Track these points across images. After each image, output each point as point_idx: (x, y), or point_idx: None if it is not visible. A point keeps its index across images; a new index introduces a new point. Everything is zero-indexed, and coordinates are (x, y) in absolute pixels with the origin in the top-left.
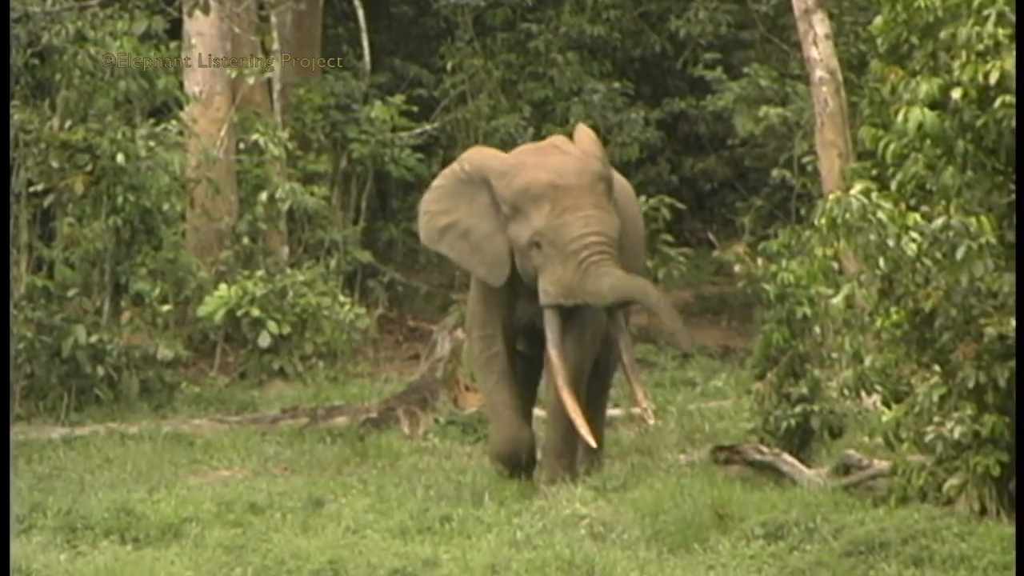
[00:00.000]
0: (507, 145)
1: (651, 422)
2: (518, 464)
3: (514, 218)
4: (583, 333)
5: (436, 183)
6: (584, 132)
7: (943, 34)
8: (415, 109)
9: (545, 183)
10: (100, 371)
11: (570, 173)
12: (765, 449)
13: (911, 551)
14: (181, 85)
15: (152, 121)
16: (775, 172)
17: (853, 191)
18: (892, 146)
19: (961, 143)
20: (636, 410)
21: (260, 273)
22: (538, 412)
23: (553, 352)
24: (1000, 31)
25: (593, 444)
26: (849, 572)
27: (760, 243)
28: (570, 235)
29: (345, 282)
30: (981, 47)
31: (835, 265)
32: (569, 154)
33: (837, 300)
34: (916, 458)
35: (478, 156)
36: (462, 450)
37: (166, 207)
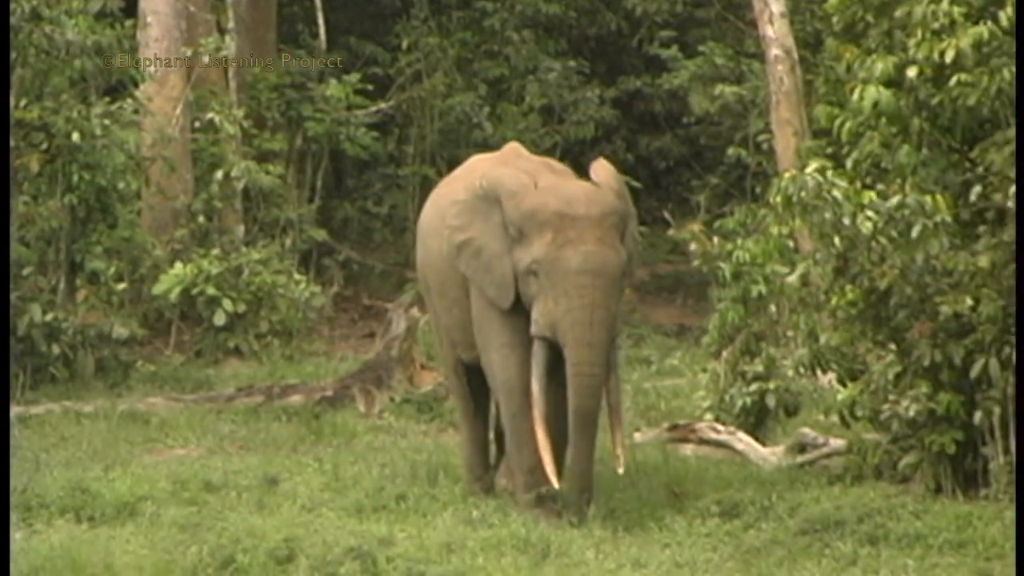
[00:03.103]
0: (462, 124)
1: (620, 471)
2: (544, 493)
3: (519, 241)
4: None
5: (457, 197)
6: (603, 166)
7: (898, 12)
8: (370, 87)
9: (552, 210)
10: (55, 350)
11: (580, 202)
12: (721, 428)
13: (866, 529)
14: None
15: (107, 100)
16: (730, 150)
17: (809, 169)
18: (847, 124)
19: (916, 121)
20: (613, 451)
21: (215, 251)
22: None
23: (535, 385)
24: (955, 9)
25: (556, 484)
26: (804, 550)
27: (716, 221)
28: (565, 270)
29: (300, 260)
30: (936, 25)
31: (790, 243)
32: (584, 182)
33: (792, 278)
34: (871, 436)
35: (495, 173)
36: (417, 428)
37: (121, 185)
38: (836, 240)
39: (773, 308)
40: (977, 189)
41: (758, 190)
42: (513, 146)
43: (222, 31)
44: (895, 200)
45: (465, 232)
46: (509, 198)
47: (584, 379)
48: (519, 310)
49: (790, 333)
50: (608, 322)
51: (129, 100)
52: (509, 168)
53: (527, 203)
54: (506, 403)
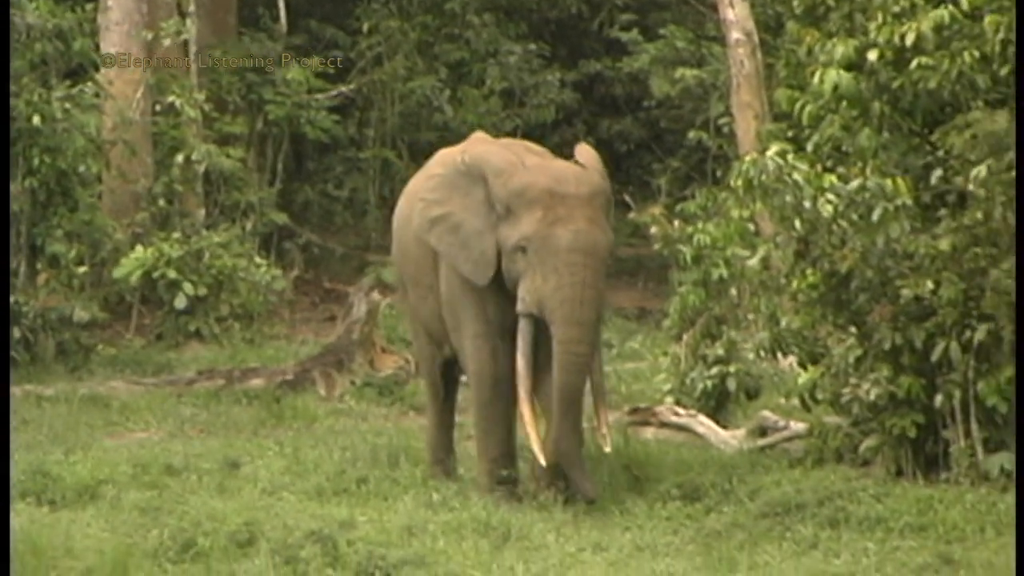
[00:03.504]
0: (423, 107)
1: (607, 450)
2: (508, 478)
3: (505, 219)
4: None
5: (435, 171)
6: (586, 150)
7: None
8: (331, 71)
9: (541, 188)
10: (16, 333)
11: (569, 182)
12: (681, 411)
13: (827, 512)
14: (97, 47)
15: (68, 83)
16: (691, 134)
17: (769, 153)
18: (808, 108)
19: (877, 105)
20: (597, 431)
21: (176, 235)
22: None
23: (521, 361)
24: None
25: (543, 461)
26: (765, 533)
27: (676, 205)
28: (556, 248)
29: (261, 244)
30: (897, 8)
31: (751, 227)
32: (571, 163)
33: (753, 262)
34: (832, 419)
35: (478, 149)
36: (378, 412)
37: (82, 169)
38: (797, 223)
39: (734, 291)
40: (938, 172)
41: (719, 173)
42: (479, 136)
43: (183, 14)
44: (856, 183)
45: (442, 206)
46: (496, 175)
47: (572, 357)
48: (492, 297)
49: (751, 316)
50: (597, 301)
51: (90, 84)
52: (491, 146)
53: (516, 180)
54: (477, 391)
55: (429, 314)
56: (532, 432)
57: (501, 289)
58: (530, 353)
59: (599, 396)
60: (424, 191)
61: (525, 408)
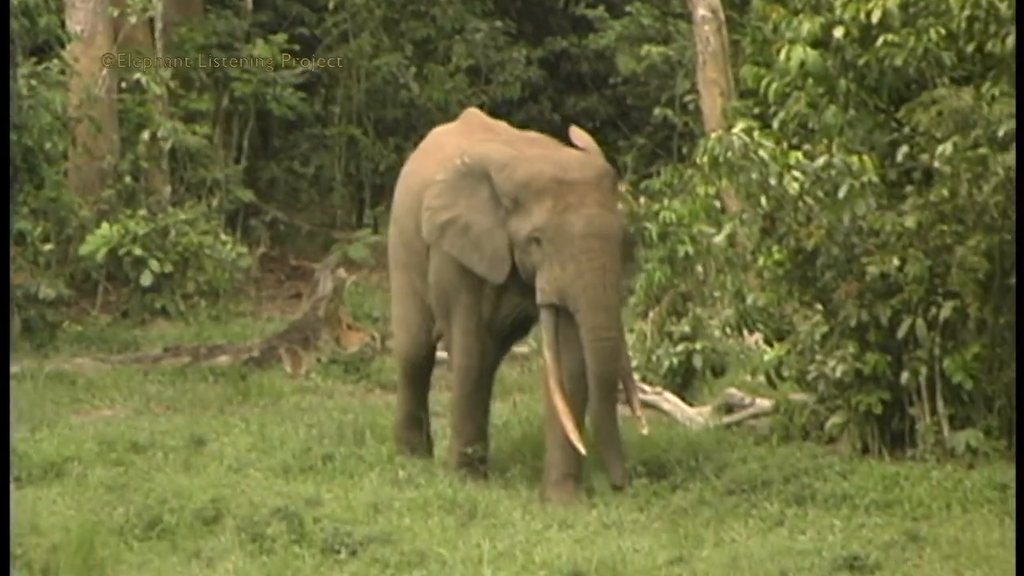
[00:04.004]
0: (389, 84)
1: (644, 431)
2: (479, 464)
3: (515, 212)
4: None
5: (438, 177)
6: (580, 133)
7: None
8: (297, 48)
9: (548, 177)
10: None
11: (574, 168)
12: (647, 388)
13: (793, 489)
14: (63, 23)
15: (33, 60)
16: (657, 111)
17: (735, 130)
18: (774, 85)
19: (843, 82)
20: (632, 415)
21: (142, 212)
22: None
23: (548, 353)
24: None
25: (583, 452)
26: (731, 511)
27: (642, 182)
28: (570, 235)
29: (227, 221)
30: None
31: (717, 204)
32: (572, 149)
33: (719, 239)
34: (798, 397)
35: (478, 148)
36: (344, 389)
37: (48, 146)
38: (763, 200)
39: (700, 268)
40: (904, 149)
41: (685, 150)
42: (472, 112)
43: None
44: (822, 160)
45: (449, 210)
46: (499, 170)
47: (603, 343)
48: (488, 293)
49: (717, 293)
50: (618, 285)
51: (55, 60)
52: (490, 143)
53: (520, 173)
54: (461, 383)
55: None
56: (568, 424)
57: (506, 284)
58: (555, 344)
59: (629, 380)
60: (429, 198)
61: (558, 399)
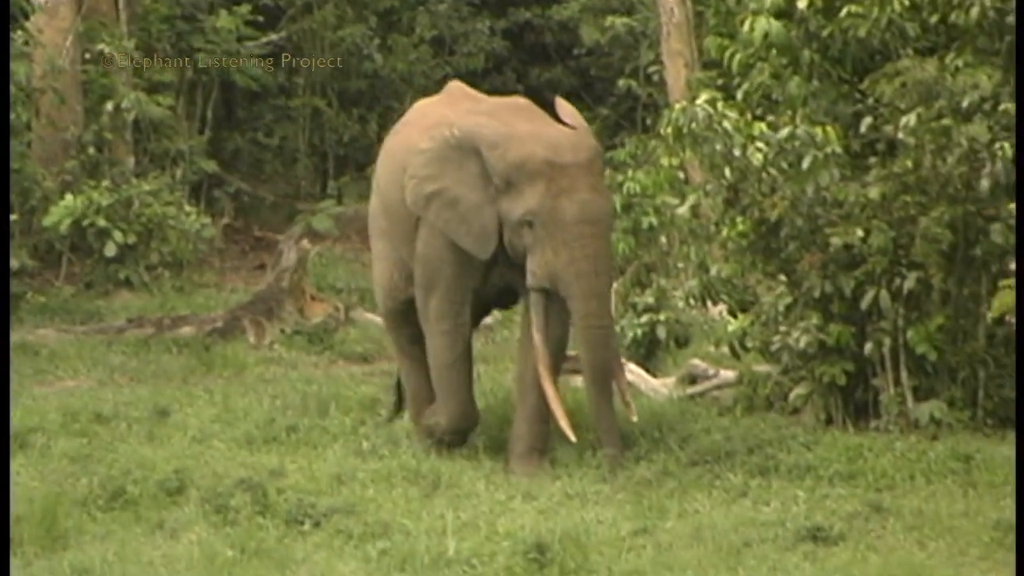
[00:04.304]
0: (353, 55)
1: (634, 419)
2: (464, 439)
3: (506, 192)
4: (563, 315)
5: (424, 146)
6: (567, 107)
7: None
8: (261, 19)
9: (541, 159)
10: None
11: (566, 149)
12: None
13: (757, 460)
14: None
15: None
16: (621, 82)
17: (699, 101)
18: (738, 56)
19: (807, 53)
20: (621, 401)
21: (106, 183)
22: None
23: (538, 336)
24: None
25: (573, 439)
26: (695, 481)
27: (606, 153)
28: (563, 221)
29: (191, 192)
30: None
31: (681, 175)
32: (562, 126)
33: (683, 210)
34: (762, 368)
35: (468, 121)
36: (308, 360)
37: (12, 117)
38: (726, 171)
39: (664, 239)
40: (867, 120)
41: (648, 122)
42: (456, 84)
43: None
44: (785, 131)
45: (436, 182)
46: (491, 148)
47: (596, 331)
48: (476, 267)
49: (680, 264)
50: (610, 269)
51: (19, 32)
52: (478, 115)
53: (513, 153)
54: (440, 354)
55: None
56: (558, 409)
57: (490, 259)
58: (545, 327)
59: (619, 369)
60: (415, 167)
61: (547, 385)
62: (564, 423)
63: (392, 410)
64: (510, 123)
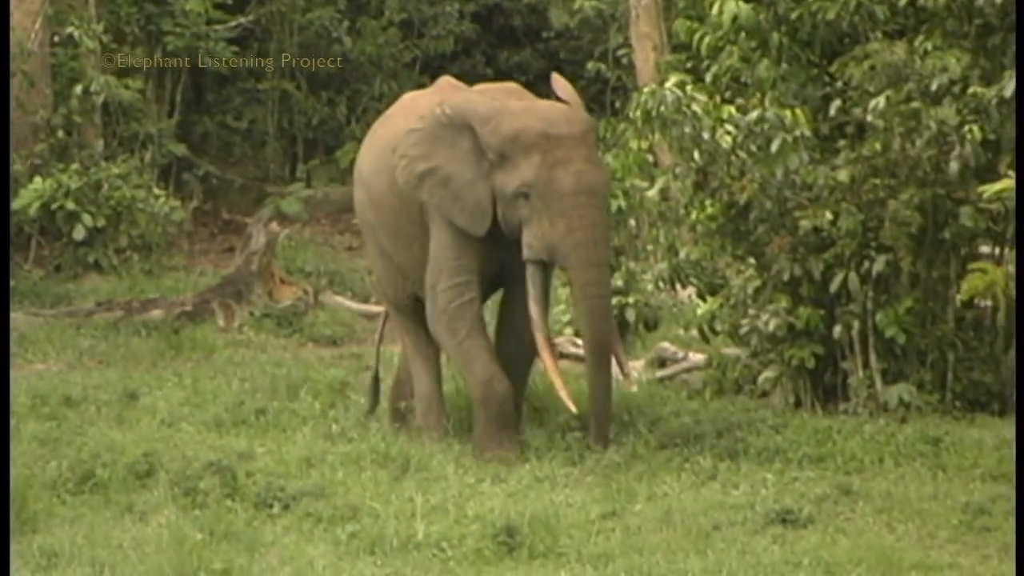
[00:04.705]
0: (322, 38)
1: (634, 389)
2: (511, 409)
3: (500, 166)
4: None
5: (415, 125)
6: (562, 82)
7: None
8: (230, 2)
9: (536, 132)
10: None
11: (560, 122)
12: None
13: (726, 443)
14: None
15: None
16: (590, 65)
17: (668, 84)
18: (707, 39)
19: (776, 36)
20: (620, 377)
21: (75, 166)
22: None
23: (535, 308)
24: None
25: (574, 409)
26: (664, 465)
27: None
28: (560, 191)
29: (160, 175)
30: None
31: (650, 158)
32: (554, 101)
33: (652, 193)
34: (731, 351)
35: (459, 98)
36: (277, 343)
37: None
38: (696, 154)
39: (633, 222)
40: (836, 103)
41: (617, 104)
42: (446, 79)
43: None
44: (755, 114)
45: (428, 160)
46: (483, 123)
47: (595, 301)
48: (477, 252)
49: (650, 247)
50: (607, 240)
51: None
52: (468, 93)
53: (506, 126)
54: (451, 332)
55: (412, 261)
56: (557, 380)
57: (490, 235)
58: (543, 299)
59: (616, 344)
60: (405, 147)
61: (546, 356)
62: (563, 393)
63: (370, 403)
64: (501, 100)
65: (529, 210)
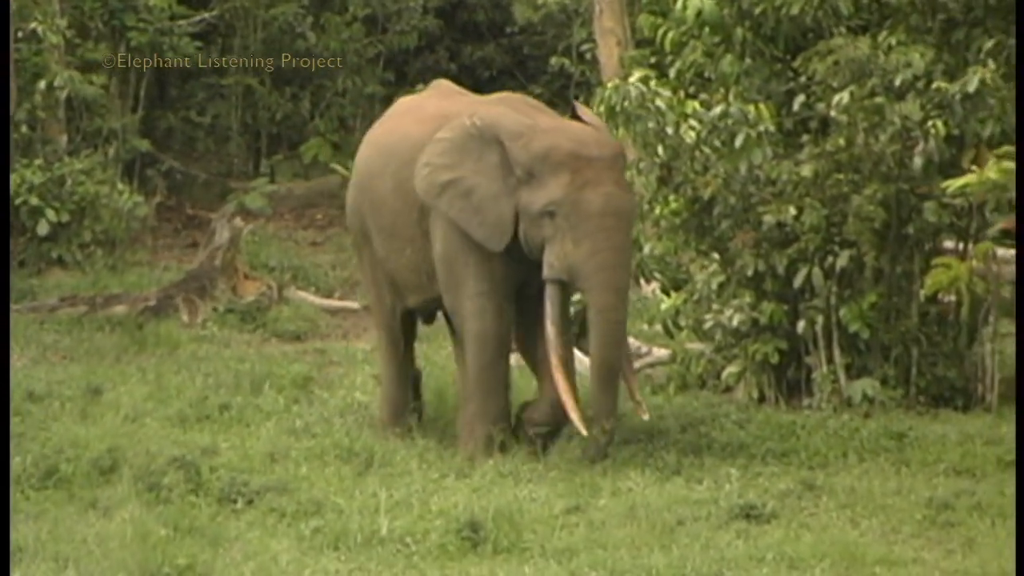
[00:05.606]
0: (285, 33)
1: (645, 417)
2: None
3: (527, 183)
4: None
5: (441, 135)
6: (586, 111)
7: None
8: None
9: (567, 151)
10: None
11: (591, 143)
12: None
13: (690, 438)
14: None
15: None
16: (554, 60)
17: (632, 79)
18: (671, 34)
19: (739, 31)
20: (631, 399)
21: (38, 161)
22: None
23: (552, 329)
24: None
25: (583, 432)
26: (628, 460)
27: None
28: (588, 212)
29: (123, 170)
30: None
31: None
32: (582, 124)
33: None
34: (695, 346)
35: (490, 113)
36: (241, 338)
37: None
38: (659, 149)
39: None
40: (800, 98)
41: (582, 99)
42: (443, 82)
43: None
44: (718, 109)
45: (453, 171)
46: (514, 139)
47: (611, 325)
48: (497, 257)
49: None
50: (629, 266)
51: None
52: (501, 107)
53: (537, 144)
54: (479, 353)
55: (404, 265)
56: (570, 402)
57: (508, 251)
58: (560, 319)
59: (628, 364)
60: (431, 155)
61: (559, 376)
62: (575, 416)
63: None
64: (531, 116)
65: (553, 229)
